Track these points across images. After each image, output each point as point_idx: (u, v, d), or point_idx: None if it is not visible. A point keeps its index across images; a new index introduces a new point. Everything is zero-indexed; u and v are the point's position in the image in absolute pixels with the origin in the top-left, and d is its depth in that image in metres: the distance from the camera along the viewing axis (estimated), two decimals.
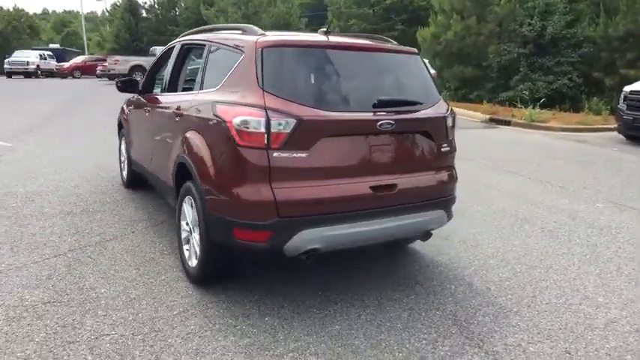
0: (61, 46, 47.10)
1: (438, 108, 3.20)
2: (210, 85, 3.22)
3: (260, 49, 2.83)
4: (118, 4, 38.34)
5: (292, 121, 2.64)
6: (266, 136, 2.62)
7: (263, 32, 3.11)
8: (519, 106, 14.15)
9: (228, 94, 2.90)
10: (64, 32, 62.58)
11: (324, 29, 3.26)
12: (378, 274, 3.54)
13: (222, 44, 3.28)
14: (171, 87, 4.02)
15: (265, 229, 2.67)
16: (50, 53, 36.85)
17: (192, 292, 3.17)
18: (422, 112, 3.11)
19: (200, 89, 3.34)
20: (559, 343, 2.75)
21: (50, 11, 59.40)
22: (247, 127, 2.64)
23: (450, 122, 3.25)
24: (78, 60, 34.51)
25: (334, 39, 3.13)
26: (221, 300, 3.08)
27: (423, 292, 3.30)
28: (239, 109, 2.72)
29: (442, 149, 3.20)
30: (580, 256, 4.01)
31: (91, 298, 3.04)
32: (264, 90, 2.71)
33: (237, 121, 2.67)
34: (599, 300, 3.28)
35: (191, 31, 4.36)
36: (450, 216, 3.32)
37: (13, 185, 5.48)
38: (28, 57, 33.44)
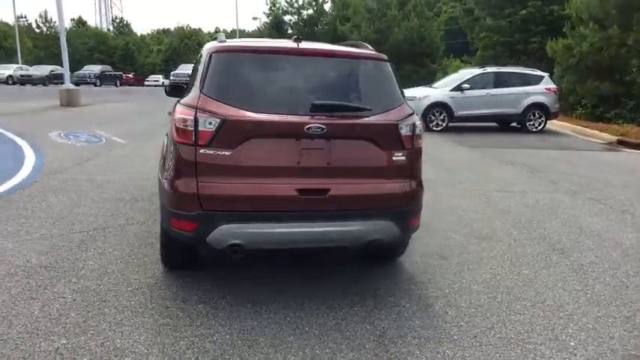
0: None
1: (388, 115, 3.09)
2: (190, 89, 3.54)
3: (209, 55, 3.07)
4: (267, 22, 41.65)
5: (217, 121, 2.82)
6: (194, 133, 2.84)
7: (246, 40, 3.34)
8: None
9: (188, 97, 3.19)
10: None
11: (296, 36, 3.37)
12: (341, 283, 3.49)
13: (204, 52, 3.58)
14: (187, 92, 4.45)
15: (191, 220, 2.88)
16: None
17: (159, 273, 3.50)
18: (365, 118, 3.04)
19: (187, 93, 3.68)
20: None
21: (217, 30, 66.56)
22: (181, 125, 2.89)
23: (405, 131, 3.11)
24: None
25: (299, 45, 3.21)
26: (176, 284, 3.36)
27: (371, 306, 3.19)
28: (181, 109, 2.98)
29: (394, 158, 3.08)
30: (587, 296, 3.48)
31: (77, 268, 3.54)
32: (201, 92, 2.95)
33: (176, 119, 2.93)
34: (570, 344, 2.85)
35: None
36: (405, 229, 3.17)
37: (96, 174, 6.47)
38: (190, 70, 38.09)
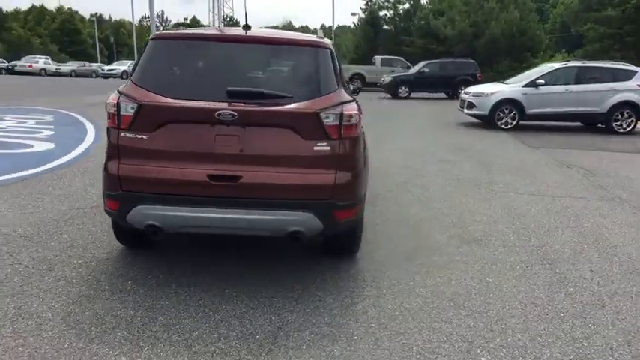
0: None
1: (312, 103, 2.99)
2: None
3: (145, 43, 3.20)
4: (363, 17, 41.60)
5: (135, 106, 2.94)
6: (117, 118, 2.99)
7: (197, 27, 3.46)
8: None
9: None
10: None
11: (245, 24, 3.38)
12: (280, 274, 3.46)
13: None
14: None
15: (114, 200, 3.05)
16: None
17: (116, 251, 3.73)
18: (282, 106, 2.97)
19: None
20: None
21: (322, 26, 67.96)
22: (109, 110, 3.05)
23: (330, 120, 2.99)
24: None
25: (246, 33, 3.21)
26: (125, 261, 3.56)
27: (292, 298, 3.13)
28: (112, 95, 3.14)
29: (315, 148, 2.98)
30: (543, 312, 3.10)
31: (49, 240, 3.90)
32: (131, 79, 3.09)
33: (106, 103, 3.10)
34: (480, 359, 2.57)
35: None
36: (330, 223, 3.06)
37: None
38: None
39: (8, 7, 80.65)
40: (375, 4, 41.33)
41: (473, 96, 12.34)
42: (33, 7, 73.35)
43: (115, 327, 2.72)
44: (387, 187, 6.05)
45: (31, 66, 39.13)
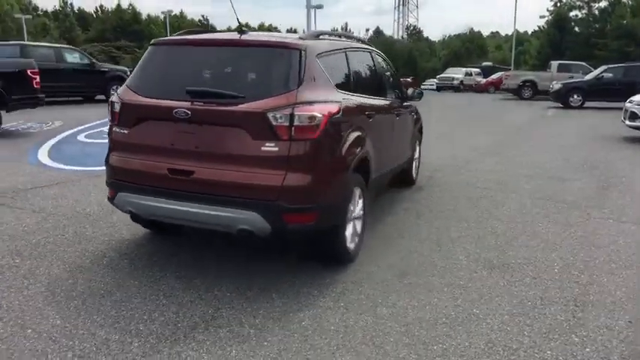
0: (494, 63, 50.40)
1: (263, 103, 2.96)
2: None
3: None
4: (549, 19, 37.84)
5: (120, 104, 3.31)
6: (111, 114, 3.41)
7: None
8: None
9: None
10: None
11: (239, 28, 3.52)
12: (252, 272, 3.52)
13: None
14: None
15: (109, 187, 3.47)
16: (478, 70, 40.45)
17: (149, 235, 4.19)
18: (232, 106, 3.00)
19: None
20: None
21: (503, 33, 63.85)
22: (108, 108, 3.48)
23: (280, 121, 2.93)
24: (494, 76, 36.54)
25: (215, 36, 3.39)
26: (130, 240, 4.01)
27: (238, 294, 3.16)
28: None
29: (263, 148, 2.96)
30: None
31: (70, 217, 4.56)
32: (126, 82, 3.48)
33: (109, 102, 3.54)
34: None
35: None
36: (278, 225, 3.00)
37: None
38: (455, 74, 38.10)
39: (221, 26, 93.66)
40: (565, 4, 37.24)
41: (637, 105, 10.34)
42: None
43: (78, 295, 3.11)
44: (454, 198, 5.54)
45: None
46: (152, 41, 3.59)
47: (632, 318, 2.99)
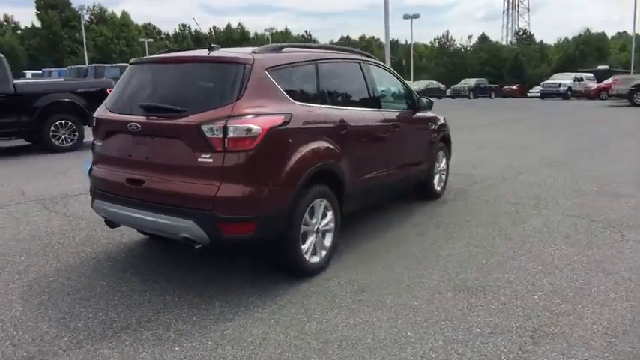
0: (612, 66, 45.57)
1: (199, 116, 3.06)
2: None
3: None
4: None
5: (95, 119, 3.65)
6: (92, 128, 3.76)
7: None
8: None
9: None
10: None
11: (209, 44, 3.68)
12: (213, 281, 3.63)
13: None
14: None
15: (90, 195, 3.82)
16: (590, 75, 37.00)
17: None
18: (173, 119, 3.14)
19: None
20: None
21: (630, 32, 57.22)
22: (91, 123, 3.84)
23: (214, 133, 3.01)
24: (607, 81, 33.12)
25: (186, 54, 3.60)
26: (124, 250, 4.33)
27: (181, 300, 3.28)
28: None
29: (199, 159, 3.07)
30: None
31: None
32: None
33: None
34: None
35: None
36: (215, 235, 3.08)
37: None
38: (562, 80, 35.21)
39: (324, 40, 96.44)
40: None
41: None
42: (342, 38, 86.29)
43: (51, 290, 3.45)
44: (472, 214, 5.19)
45: None
46: (130, 61, 3.89)
47: (590, 357, 2.60)
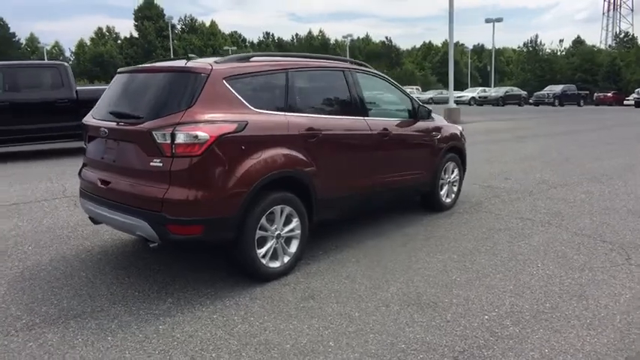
0: None
1: (152, 122, 3.26)
2: None
3: None
4: None
5: (83, 125, 4.00)
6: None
7: None
8: None
9: None
10: None
11: (186, 54, 3.92)
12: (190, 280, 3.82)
13: None
14: None
15: (79, 194, 4.18)
16: None
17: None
18: (132, 126, 3.37)
19: None
20: None
21: None
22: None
23: (163, 139, 3.19)
24: None
25: (159, 64, 3.86)
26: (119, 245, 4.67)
27: (149, 297, 3.49)
28: None
29: (151, 163, 3.27)
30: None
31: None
32: None
33: None
34: None
35: None
36: (163, 234, 3.26)
37: None
38: None
39: (406, 46, 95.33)
40: None
41: None
42: (423, 43, 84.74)
43: (35, 278, 3.82)
44: (472, 228, 4.96)
45: None
46: (117, 70, 4.22)
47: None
